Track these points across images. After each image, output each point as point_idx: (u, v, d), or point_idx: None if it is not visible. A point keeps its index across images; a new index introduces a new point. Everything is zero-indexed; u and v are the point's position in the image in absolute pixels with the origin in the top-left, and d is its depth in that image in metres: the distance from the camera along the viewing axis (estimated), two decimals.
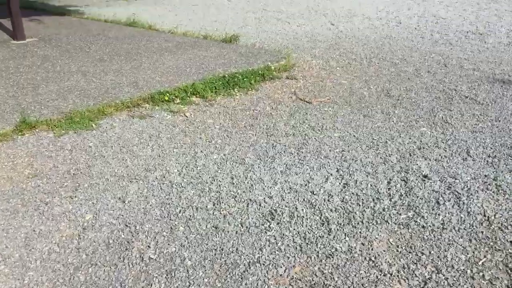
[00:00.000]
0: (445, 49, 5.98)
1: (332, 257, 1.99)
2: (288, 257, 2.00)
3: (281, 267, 1.95)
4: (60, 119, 3.63)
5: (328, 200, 2.47)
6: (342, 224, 2.24)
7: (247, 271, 1.93)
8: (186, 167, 2.92)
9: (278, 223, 2.27)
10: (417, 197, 2.48)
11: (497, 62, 5.26)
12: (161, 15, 9.53)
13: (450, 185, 2.59)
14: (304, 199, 2.49)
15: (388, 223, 2.24)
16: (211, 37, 6.71)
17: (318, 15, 9.14)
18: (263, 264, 1.96)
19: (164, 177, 2.79)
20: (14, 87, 4.42)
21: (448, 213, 2.31)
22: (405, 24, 7.85)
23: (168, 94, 4.15)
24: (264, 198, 2.51)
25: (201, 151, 3.15)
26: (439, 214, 2.30)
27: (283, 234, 2.17)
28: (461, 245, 2.05)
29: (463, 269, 1.90)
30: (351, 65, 5.37)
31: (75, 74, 4.83)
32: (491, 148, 3.09)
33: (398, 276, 1.87)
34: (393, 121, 3.62)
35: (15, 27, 6.40)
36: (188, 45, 6.12)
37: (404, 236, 2.13)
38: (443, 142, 3.20)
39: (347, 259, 1.98)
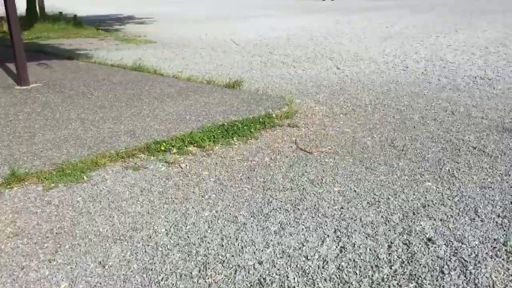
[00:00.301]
0: (453, 95, 5.85)
1: None
2: None
3: None
4: (51, 171, 3.52)
5: (323, 267, 2.28)
6: None
7: None
8: (175, 226, 2.76)
9: None
10: (420, 264, 2.28)
11: (506, 110, 5.10)
12: (168, 58, 9.60)
13: (456, 251, 2.40)
14: (296, 265, 2.30)
15: None
16: (214, 82, 6.67)
17: (324, 59, 9.12)
18: None
19: (150, 237, 2.63)
20: (10, 136, 4.35)
21: (454, 285, 2.11)
22: (412, 68, 7.78)
23: (164, 144, 4.05)
24: (254, 264, 2.33)
25: (192, 207, 3.00)
26: (443, 286, 2.10)
27: None
28: None
29: None
30: (355, 111, 5.25)
31: (73, 121, 4.77)
32: (500, 207, 2.90)
33: None
34: (396, 174, 3.46)
35: (19, 72, 6.43)
36: (190, 91, 6.07)
37: None
38: (449, 199, 3.02)
39: None
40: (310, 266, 2.30)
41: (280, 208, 2.96)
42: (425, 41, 10.70)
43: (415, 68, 7.79)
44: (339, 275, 2.22)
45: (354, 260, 2.34)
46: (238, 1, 44.57)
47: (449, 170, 3.51)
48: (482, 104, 5.39)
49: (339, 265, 2.30)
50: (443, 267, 2.25)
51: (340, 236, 2.58)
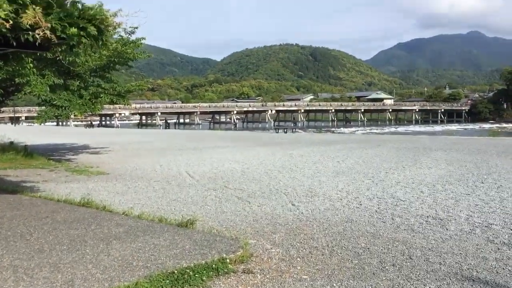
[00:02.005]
0: (408, 236, 5.82)
1: None
2: None
3: None
4: None
5: None
6: None
7: None
8: None
9: None
10: None
11: (462, 254, 5.06)
12: (120, 192, 9.34)
13: None
14: None
15: None
16: (166, 220, 6.41)
17: (279, 194, 9.12)
18: None
19: None
20: None
21: None
22: (365, 205, 7.84)
23: None
24: None
25: None
26: None
27: None
28: None
29: None
30: (312, 254, 5.07)
31: (4, 270, 4.29)
32: None
33: None
34: None
35: None
36: (140, 230, 5.75)
37: None
38: None
39: None
40: None
41: None
42: (375, 177, 11.04)
43: (368, 205, 7.85)
44: None
45: None
46: (193, 133, 45.96)
47: None
48: (438, 247, 5.35)
49: None
50: None
51: None
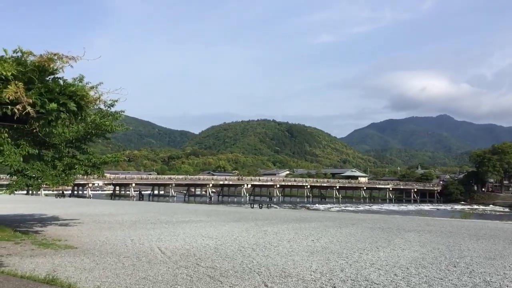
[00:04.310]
0: None
1: None
2: None
3: None
4: None
5: None
6: None
7: None
8: None
9: None
10: None
11: None
12: (87, 268, 8.99)
13: None
14: None
15: None
16: None
17: (252, 273, 8.94)
18: None
19: None
20: None
21: None
22: None
23: None
24: None
25: None
26: None
27: None
28: None
29: None
30: None
31: None
32: None
33: None
34: None
35: None
36: None
37: None
38: None
39: None
40: None
41: None
42: (349, 258, 10.95)
43: None
44: None
45: None
46: (168, 205, 45.32)
47: None
48: None
49: None
50: None
51: None
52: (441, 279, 8.73)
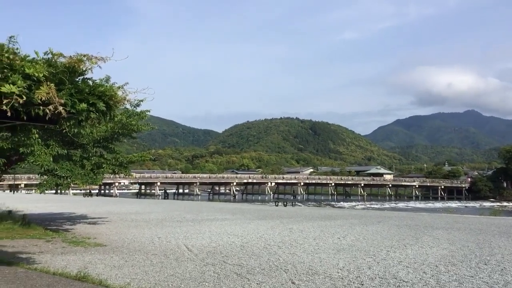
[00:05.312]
0: None
1: None
2: None
3: None
4: None
5: None
6: None
7: None
8: None
9: None
10: None
11: None
12: (117, 265, 9.15)
13: None
14: None
15: None
16: None
17: (279, 271, 8.94)
18: None
19: None
20: None
21: None
22: (367, 286, 7.68)
23: None
24: None
25: None
26: None
27: None
28: None
29: None
30: None
31: None
32: None
33: None
34: None
35: None
36: None
37: None
38: None
39: None
40: None
41: None
42: (376, 256, 10.85)
43: (370, 286, 7.68)
44: None
45: None
46: (192, 204, 45.69)
47: None
48: None
49: None
50: None
51: None
52: (472, 276, 8.57)
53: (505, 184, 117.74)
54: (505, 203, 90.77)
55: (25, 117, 5.44)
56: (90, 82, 6.04)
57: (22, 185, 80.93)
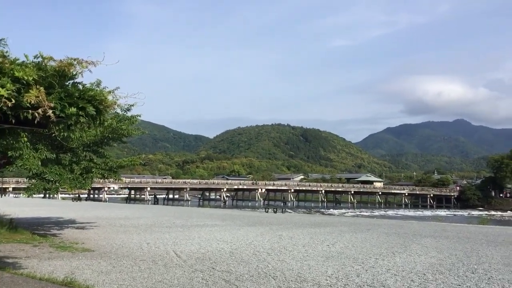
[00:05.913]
0: None
1: None
2: None
3: None
4: None
5: None
6: None
7: None
8: None
9: None
10: None
11: None
12: (104, 271, 9.07)
13: None
14: None
15: None
16: None
17: (267, 278, 8.93)
18: None
19: None
20: None
21: None
22: None
23: None
24: None
25: None
26: None
27: None
28: None
29: None
30: None
31: None
32: None
33: None
34: None
35: None
36: None
37: None
38: None
39: None
40: None
41: None
42: (365, 263, 10.88)
43: None
44: None
45: None
46: (182, 209, 45.50)
47: None
48: None
49: None
50: None
51: None
52: (459, 285, 8.62)
53: (493, 193, 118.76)
54: (493, 212, 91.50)
55: (13, 121, 5.41)
56: (80, 86, 6.02)
57: (10, 189, 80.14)
